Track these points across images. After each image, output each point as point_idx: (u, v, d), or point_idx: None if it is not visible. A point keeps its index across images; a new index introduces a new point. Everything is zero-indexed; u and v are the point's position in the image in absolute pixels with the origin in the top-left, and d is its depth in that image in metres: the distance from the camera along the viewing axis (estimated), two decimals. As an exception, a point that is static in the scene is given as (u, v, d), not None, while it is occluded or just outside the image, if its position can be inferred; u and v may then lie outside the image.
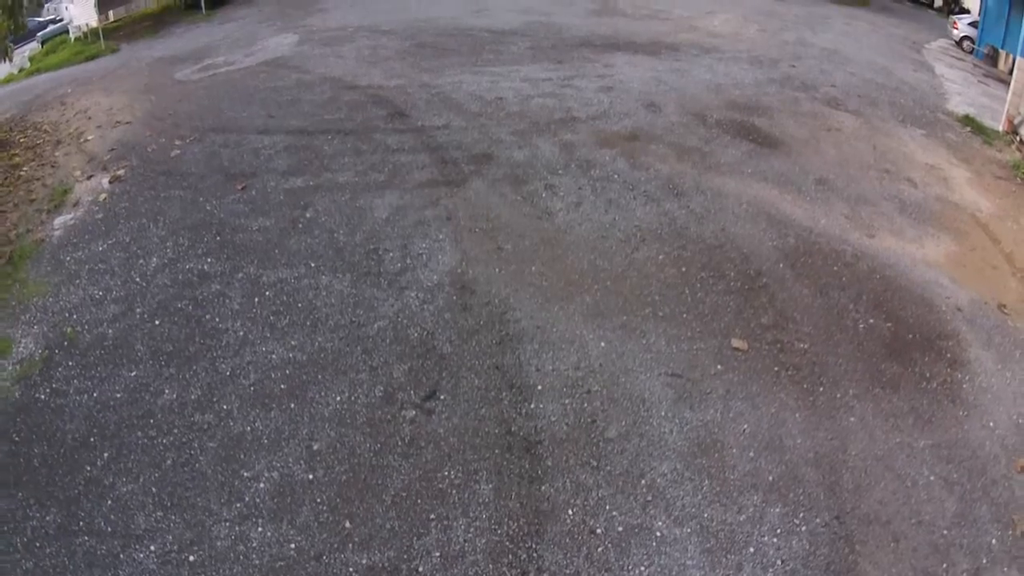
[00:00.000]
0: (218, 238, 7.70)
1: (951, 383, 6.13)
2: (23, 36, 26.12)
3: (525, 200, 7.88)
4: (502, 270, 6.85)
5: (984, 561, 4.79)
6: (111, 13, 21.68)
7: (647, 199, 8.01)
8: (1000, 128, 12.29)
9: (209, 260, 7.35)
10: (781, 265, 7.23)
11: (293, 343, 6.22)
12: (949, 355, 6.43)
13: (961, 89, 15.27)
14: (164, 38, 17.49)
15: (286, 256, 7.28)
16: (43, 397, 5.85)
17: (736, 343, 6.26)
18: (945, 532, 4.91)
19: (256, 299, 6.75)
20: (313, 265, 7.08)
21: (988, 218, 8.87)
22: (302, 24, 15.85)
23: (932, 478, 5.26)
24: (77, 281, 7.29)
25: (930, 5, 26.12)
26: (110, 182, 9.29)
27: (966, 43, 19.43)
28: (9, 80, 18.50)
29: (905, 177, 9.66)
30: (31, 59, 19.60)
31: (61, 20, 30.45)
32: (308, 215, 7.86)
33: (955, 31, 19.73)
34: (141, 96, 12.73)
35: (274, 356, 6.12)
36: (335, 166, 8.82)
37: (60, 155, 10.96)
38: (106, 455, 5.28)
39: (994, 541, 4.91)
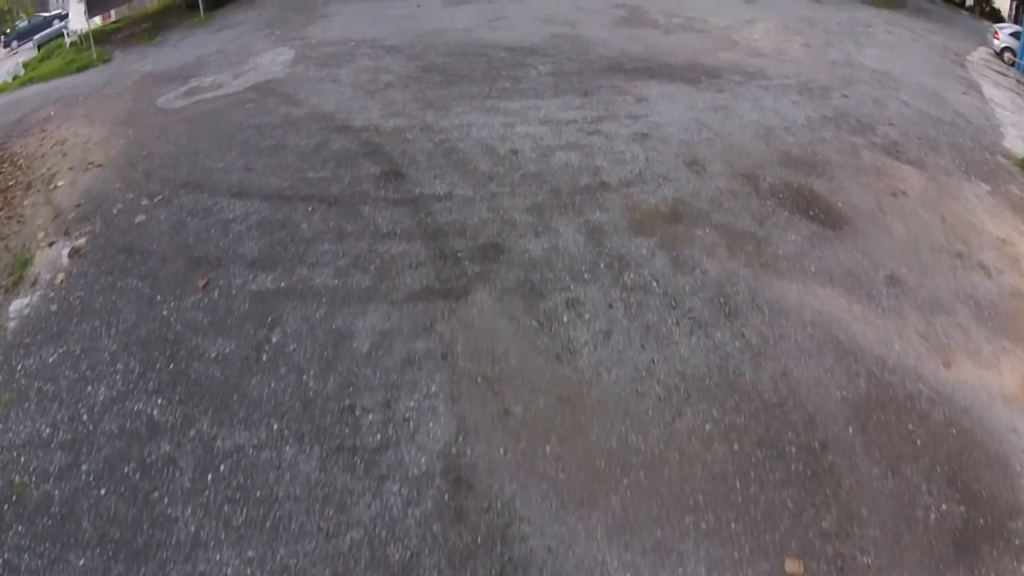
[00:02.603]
0: (171, 366, 5.86)
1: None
2: (27, 32, 24.11)
3: (541, 327, 5.80)
4: (508, 451, 4.89)
5: None
6: (113, 12, 19.49)
7: (693, 324, 5.90)
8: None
9: (160, 402, 5.55)
10: (850, 429, 5.21)
11: (250, 554, 4.43)
12: (1018, 542, 4.62)
13: (1014, 118, 12.79)
14: (158, 46, 15.24)
15: (245, 407, 5.40)
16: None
17: (791, 566, 4.40)
18: None
19: (209, 475, 4.94)
20: (276, 427, 5.17)
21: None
22: (301, 35, 13.45)
23: None
24: (26, 404, 5.82)
25: (962, 5, 23.85)
26: (70, 256, 7.63)
27: (1007, 55, 17.03)
28: (3, 90, 16.62)
29: (978, 262, 7.46)
30: (25, 65, 17.58)
31: (67, 14, 28.44)
32: (274, 339, 5.93)
33: (996, 41, 17.33)
34: (120, 128, 10.70)
35: (228, 571, 4.46)
36: (312, 257, 6.79)
37: (28, 205, 9.34)
38: None
39: None
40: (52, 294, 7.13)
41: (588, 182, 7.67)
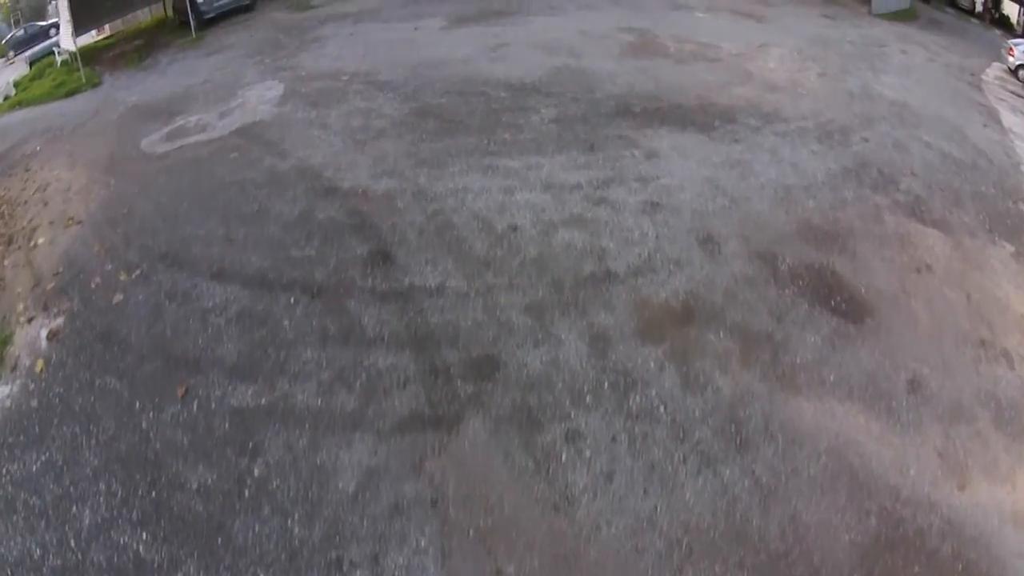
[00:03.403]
0: (153, 494, 5.32)
1: None
2: (25, 41, 23.09)
3: (538, 467, 5.11)
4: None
5: None
6: (107, 27, 18.53)
7: (701, 460, 5.21)
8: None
9: (145, 536, 5.05)
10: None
11: None
12: None
13: None
14: (147, 71, 14.37)
15: (231, 553, 4.82)
16: None
17: None
18: None
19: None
20: (257, 588, 4.77)
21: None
22: (292, 64, 12.52)
23: None
24: (14, 518, 5.47)
25: (972, 12, 22.90)
26: (48, 339, 7.22)
27: (1022, 72, 16.06)
28: (-9, 113, 15.88)
29: (1001, 349, 6.78)
30: (16, 84, 16.76)
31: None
32: (256, 471, 5.31)
33: (1011, 58, 16.36)
34: (101, 176, 10.01)
35: None
36: (294, 366, 6.11)
37: (9, 266, 8.94)
38: None
39: None
40: (32, 386, 6.66)
41: (593, 270, 6.93)
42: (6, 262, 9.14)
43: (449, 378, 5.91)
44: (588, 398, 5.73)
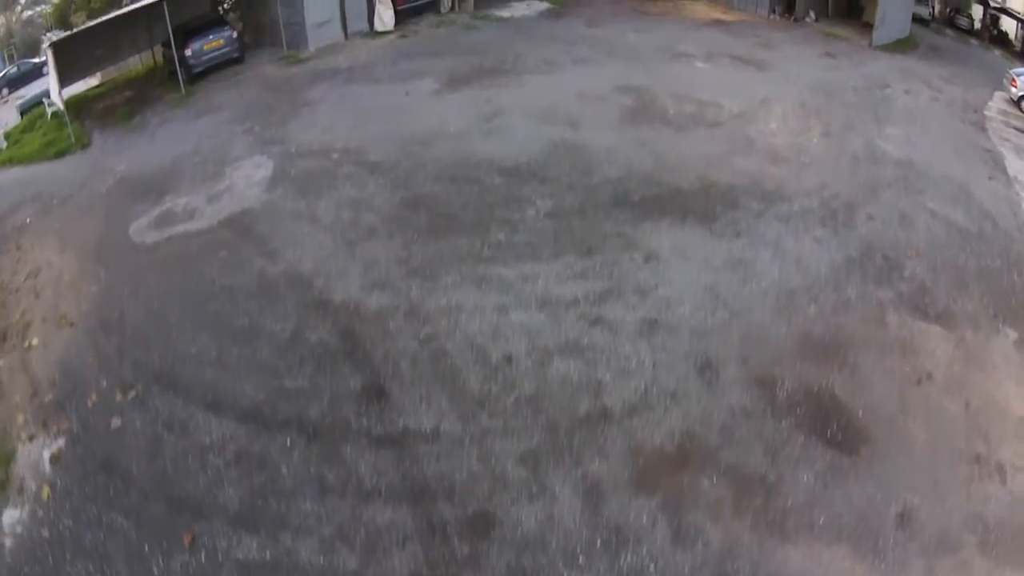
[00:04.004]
0: None
1: None
2: (18, 79, 22.78)
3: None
4: None
5: None
6: (99, 74, 18.19)
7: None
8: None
9: None
10: None
11: None
12: None
13: None
14: (136, 132, 14.09)
15: None
16: None
17: None
18: None
19: None
20: None
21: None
22: (280, 135, 12.21)
23: None
24: None
25: (971, 32, 22.90)
26: (51, 462, 7.24)
27: None
28: (-17, 169, 15.67)
29: (996, 463, 6.77)
30: (7, 136, 16.51)
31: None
32: None
33: (1013, 89, 16.31)
34: (91, 266, 9.95)
35: None
36: (295, 518, 6.12)
37: (5, 368, 8.78)
38: None
39: None
40: (41, 513, 6.69)
41: (588, 409, 6.80)
42: (2, 363, 9.12)
43: (446, 536, 5.86)
44: (581, 558, 5.69)
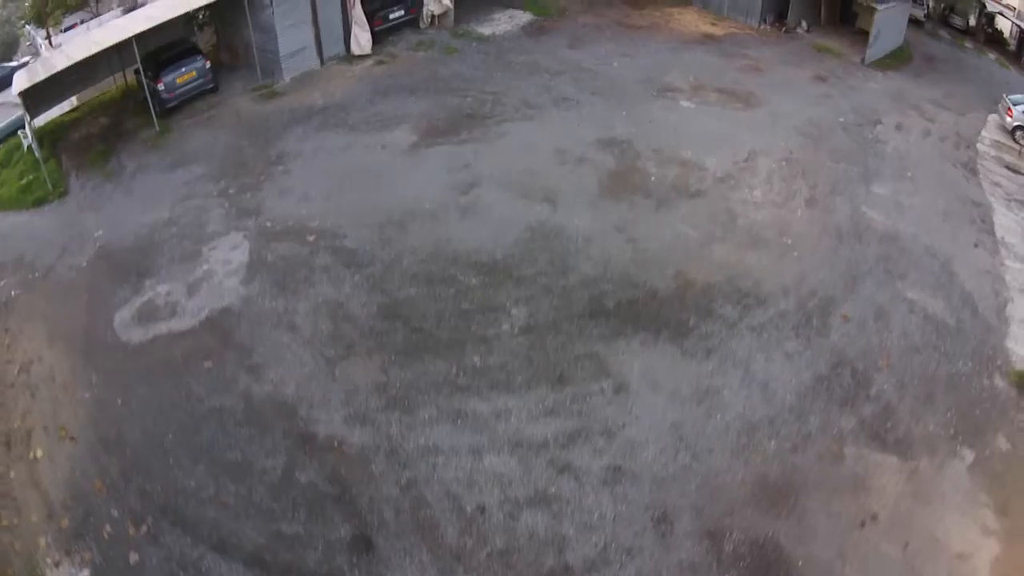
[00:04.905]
0: None
1: None
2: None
3: None
4: None
5: None
6: (75, 99, 17.15)
7: None
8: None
9: None
10: None
11: None
12: None
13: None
14: (112, 180, 13.65)
15: None
16: None
17: None
18: None
19: None
20: None
21: None
22: (256, 201, 12.03)
23: None
24: None
25: (966, 31, 22.08)
26: None
27: (1019, 133, 15.80)
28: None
29: None
30: (-17, 174, 15.93)
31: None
32: None
33: (1009, 119, 15.93)
34: (83, 367, 10.11)
35: None
36: None
37: (16, 482, 9.08)
38: None
39: None
40: None
41: (552, 565, 7.35)
42: (12, 474, 9.47)
43: None
44: None
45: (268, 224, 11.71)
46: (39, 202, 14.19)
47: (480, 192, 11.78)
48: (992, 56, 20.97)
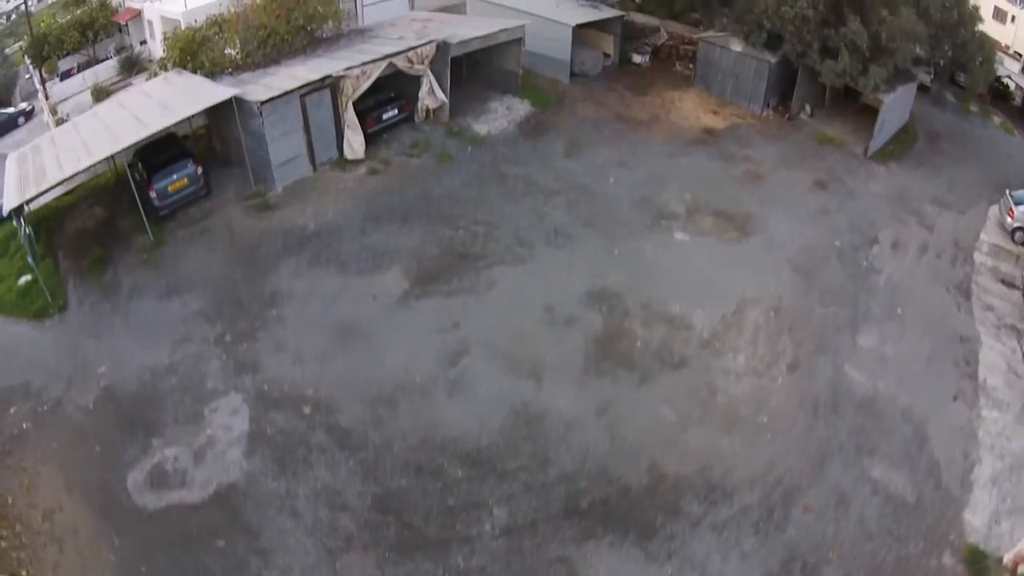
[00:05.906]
0: None
1: None
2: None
3: None
4: None
5: None
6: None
7: None
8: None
9: None
10: None
11: None
12: None
13: (997, 440, 11.94)
14: (111, 299, 14.03)
15: None
16: None
17: None
18: None
19: None
20: None
21: None
22: (252, 354, 12.48)
23: None
24: None
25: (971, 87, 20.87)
26: None
27: (1018, 235, 16.01)
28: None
29: None
30: (-20, 260, 15.95)
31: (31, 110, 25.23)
32: None
33: (1009, 219, 16.02)
34: (103, 528, 10.74)
35: None
36: None
37: None
38: None
39: None
40: None
41: None
42: None
43: None
44: None
45: (265, 387, 12.23)
46: (39, 314, 14.49)
47: (468, 362, 12.15)
48: (997, 120, 20.25)
